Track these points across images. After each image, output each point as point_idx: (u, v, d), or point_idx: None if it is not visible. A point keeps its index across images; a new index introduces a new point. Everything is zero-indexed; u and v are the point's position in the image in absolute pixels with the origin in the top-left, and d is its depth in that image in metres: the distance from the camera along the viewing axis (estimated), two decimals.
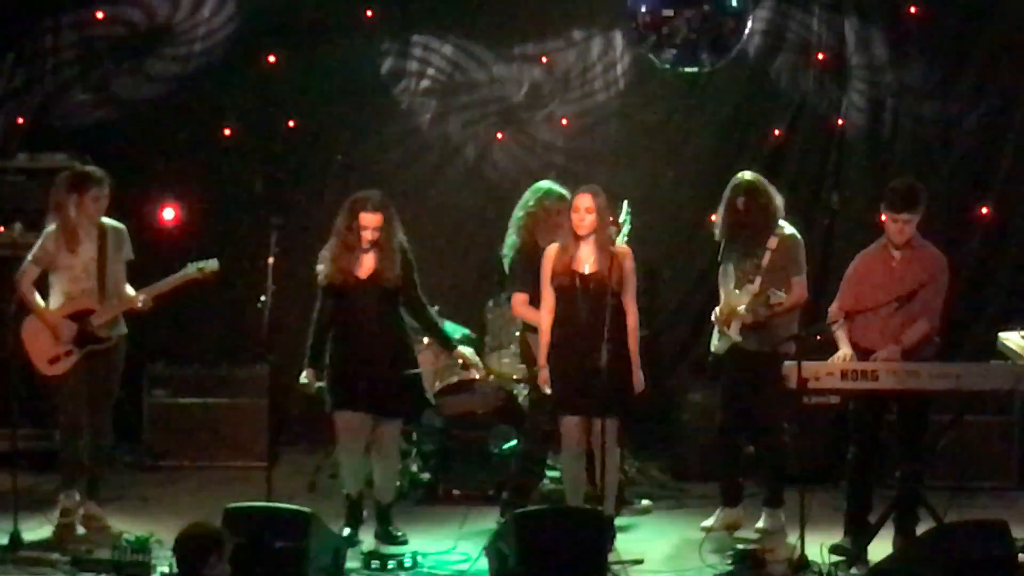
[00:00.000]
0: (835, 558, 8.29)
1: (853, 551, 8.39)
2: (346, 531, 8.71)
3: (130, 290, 8.98)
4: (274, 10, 11.09)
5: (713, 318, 9.02)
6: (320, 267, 8.66)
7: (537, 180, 9.35)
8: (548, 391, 8.56)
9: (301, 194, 11.09)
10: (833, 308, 8.66)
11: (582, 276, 8.46)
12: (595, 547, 7.81)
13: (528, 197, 9.15)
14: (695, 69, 10.28)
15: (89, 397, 8.89)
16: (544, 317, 8.59)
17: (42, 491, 9.38)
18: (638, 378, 8.50)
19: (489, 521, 9.02)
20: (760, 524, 9.02)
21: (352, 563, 8.39)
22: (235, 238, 10.54)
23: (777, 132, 11.10)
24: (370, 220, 8.59)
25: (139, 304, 8.90)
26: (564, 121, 11.22)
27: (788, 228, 8.97)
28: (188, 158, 11.06)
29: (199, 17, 11.16)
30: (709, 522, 9.10)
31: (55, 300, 8.89)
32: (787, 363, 8.32)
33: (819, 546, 8.31)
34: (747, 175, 9.05)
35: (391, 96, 11.26)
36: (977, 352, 9.39)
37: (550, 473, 9.59)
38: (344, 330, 8.66)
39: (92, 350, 8.84)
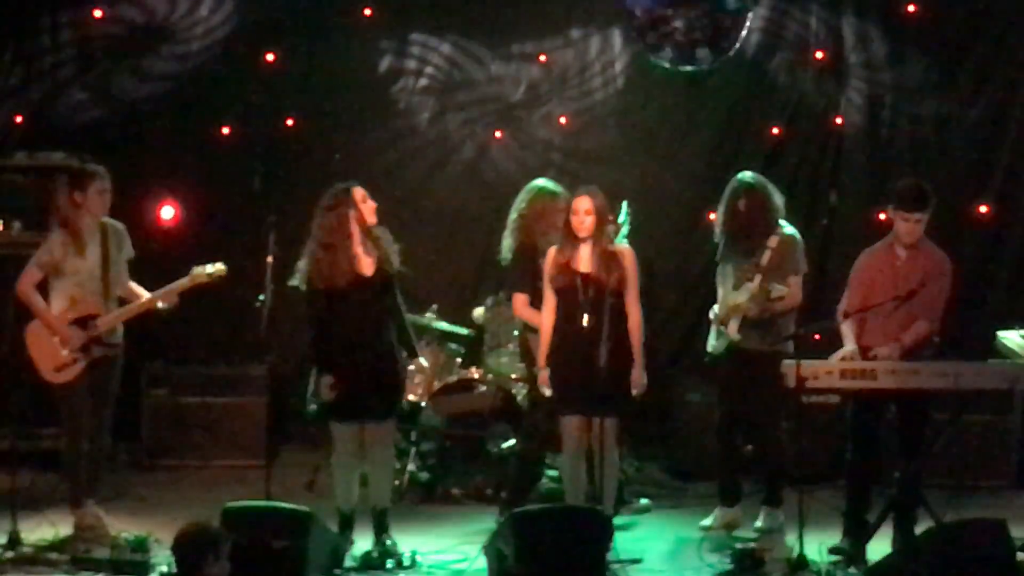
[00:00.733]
0: (834, 558, 8.30)
1: (851, 552, 8.38)
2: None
3: (142, 291, 8.96)
4: (272, 9, 11.10)
5: (711, 316, 9.03)
6: (297, 277, 8.41)
7: (535, 179, 9.35)
8: (548, 393, 8.56)
9: (299, 193, 11.04)
10: (840, 307, 8.63)
11: (583, 277, 8.45)
12: (594, 546, 7.81)
13: (521, 198, 9.14)
14: (693, 68, 10.30)
15: (91, 400, 8.87)
16: (545, 319, 8.57)
17: (40, 490, 9.38)
18: (638, 377, 8.47)
19: (487, 520, 9.02)
20: (759, 523, 9.02)
21: (350, 562, 8.39)
22: (233, 237, 10.54)
23: (775, 130, 11.10)
24: (362, 191, 8.46)
25: (159, 306, 8.88)
26: (562, 120, 11.23)
27: (788, 228, 8.96)
28: (186, 157, 11.06)
29: (197, 16, 11.18)
30: (708, 521, 9.10)
31: (58, 304, 8.83)
32: (786, 362, 8.30)
33: (818, 545, 8.31)
34: (747, 175, 9.04)
35: (389, 95, 11.27)
36: (975, 351, 9.39)
37: (549, 472, 9.59)
38: (336, 335, 8.45)
39: (98, 356, 8.81)
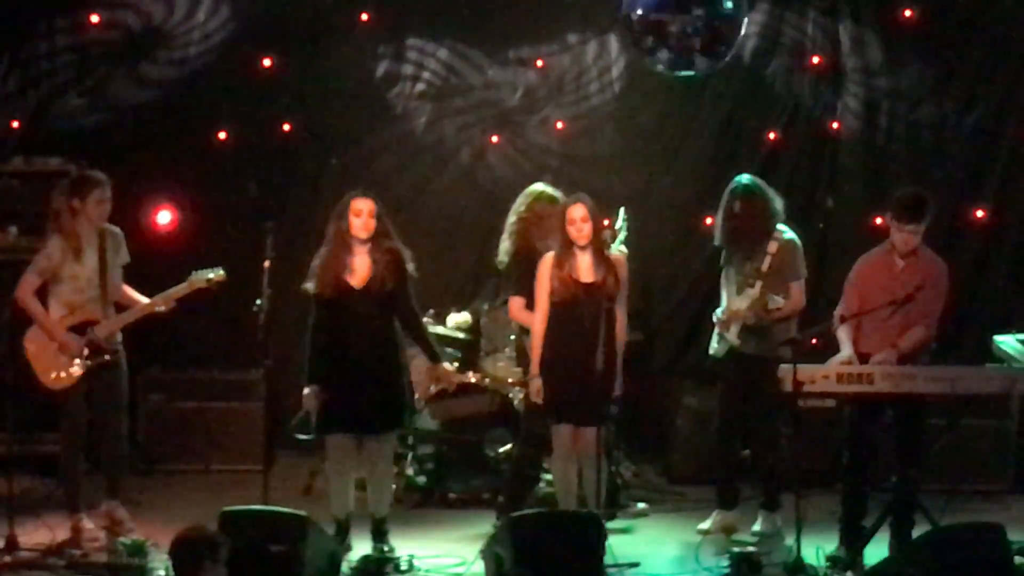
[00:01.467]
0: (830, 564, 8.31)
1: (847, 560, 8.37)
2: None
3: (137, 296, 8.96)
4: (269, 14, 11.09)
5: (715, 319, 9.02)
6: (310, 282, 8.54)
7: (531, 184, 9.36)
8: (540, 402, 8.56)
9: (296, 198, 11.10)
10: (837, 312, 8.63)
11: (585, 286, 8.47)
12: (590, 550, 7.81)
13: (520, 202, 9.15)
14: (690, 73, 10.29)
15: (98, 406, 8.85)
16: (537, 326, 8.58)
17: (38, 495, 9.37)
18: (615, 382, 8.52)
19: (485, 524, 9.02)
20: (756, 527, 9.03)
21: (347, 567, 8.39)
22: (230, 242, 10.52)
23: (772, 136, 11.10)
24: (363, 204, 8.49)
25: (159, 309, 8.87)
26: (559, 125, 11.22)
27: (788, 233, 8.97)
28: (183, 162, 11.03)
29: (194, 21, 11.15)
30: (705, 525, 9.11)
31: (56, 310, 8.82)
32: (783, 366, 8.32)
33: (815, 550, 8.31)
34: (744, 179, 9.05)
35: (386, 100, 11.26)
36: (972, 355, 9.40)
37: (546, 476, 9.59)
38: (335, 345, 8.48)
39: (97, 362, 8.80)
